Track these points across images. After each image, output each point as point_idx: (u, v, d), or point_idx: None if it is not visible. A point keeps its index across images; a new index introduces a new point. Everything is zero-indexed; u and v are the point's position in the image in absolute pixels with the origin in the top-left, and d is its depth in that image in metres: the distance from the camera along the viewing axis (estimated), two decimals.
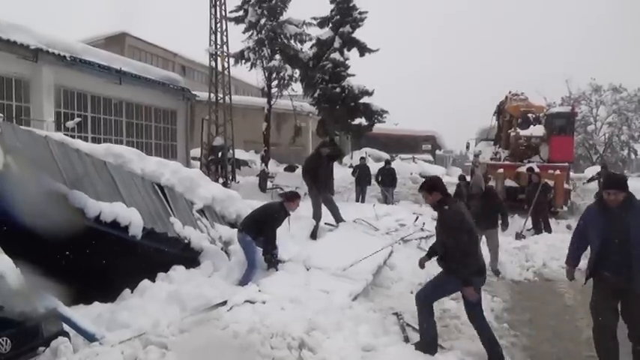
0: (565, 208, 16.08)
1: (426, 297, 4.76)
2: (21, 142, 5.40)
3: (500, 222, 8.69)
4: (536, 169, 14.40)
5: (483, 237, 8.15)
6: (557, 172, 15.74)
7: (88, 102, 15.47)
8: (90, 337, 4.30)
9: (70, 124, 12.70)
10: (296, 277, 6.14)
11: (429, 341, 4.63)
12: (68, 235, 5.09)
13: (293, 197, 7.19)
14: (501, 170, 16.42)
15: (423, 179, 19.68)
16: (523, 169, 15.47)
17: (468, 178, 15.53)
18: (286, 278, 6.09)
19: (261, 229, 6.79)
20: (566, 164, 16.91)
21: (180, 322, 4.26)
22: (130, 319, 5.09)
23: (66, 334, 4.29)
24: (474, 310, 4.71)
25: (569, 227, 13.93)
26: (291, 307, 4.99)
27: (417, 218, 10.68)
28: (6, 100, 12.71)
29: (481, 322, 4.73)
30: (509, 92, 19.45)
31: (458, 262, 4.48)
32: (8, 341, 3.81)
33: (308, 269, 6.54)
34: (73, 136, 7.17)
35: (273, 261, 6.92)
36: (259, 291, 5.40)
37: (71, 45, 14.74)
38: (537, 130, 17.18)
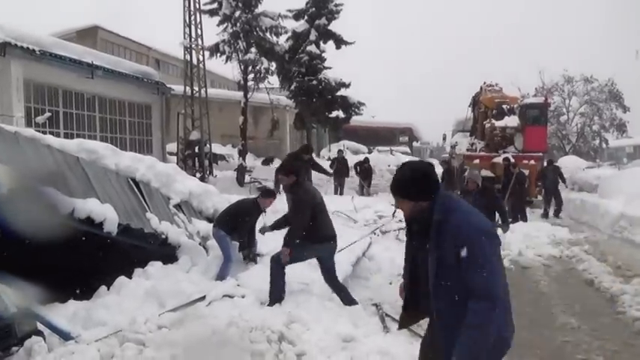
0: (539, 197, 16.41)
1: (277, 260, 5.27)
2: None
3: (499, 221, 7.78)
4: (512, 160, 14.64)
5: None
6: (532, 162, 16.02)
7: (59, 97, 15.13)
8: (65, 336, 4.22)
9: (39, 119, 12.41)
10: None
11: (277, 297, 5.09)
12: (41, 232, 4.98)
13: (267, 195, 7.15)
14: (477, 161, 16.65)
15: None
16: (498, 159, 15.70)
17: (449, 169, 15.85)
18: (265, 272, 6.05)
19: (235, 225, 6.76)
20: (541, 154, 17.22)
21: (157, 318, 4.21)
22: (106, 316, 5.01)
23: (40, 334, 4.20)
24: (327, 274, 5.42)
25: (544, 216, 14.24)
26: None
27: (396, 211, 10.76)
28: None
29: (335, 282, 5.46)
30: (484, 83, 19.70)
31: (292, 229, 5.30)
32: None
33: None
34: (44, 132, 6.98)
35: (250, 256, 6.91)
36: (238, 285, 5.37)
37: (41, 38, 14.37)
38: (512, 121, 17.46)
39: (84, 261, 5.70)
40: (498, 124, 17.47)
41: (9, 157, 5.33)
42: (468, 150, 18.82)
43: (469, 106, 21.48)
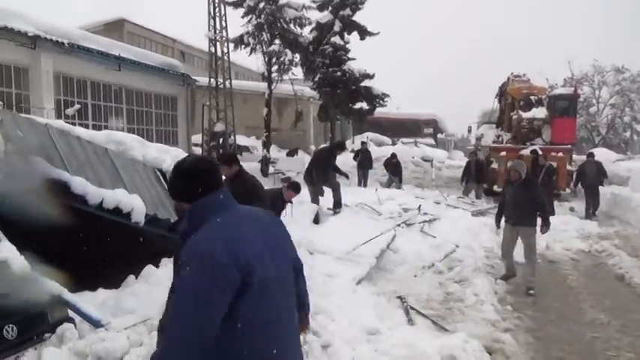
0: (568, 191, 16.07)
1: None
2: (22, 130, 5.37)
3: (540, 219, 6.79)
4: (540, 152, 14.35)
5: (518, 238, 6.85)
6: (560, 154, 15.70)
7: (87, 89, 15.39)
8: (95, 323, 4.31)
9: (69, 111, 12.66)
10: None
11: None
12: (72, 222, 5.10)
13: (292, 187, 7.23)
14: (504, 153, 16.36)
15: (426, 162, 19.72)
16: (526, 151, 15.42)
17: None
18: None
19: None
20: (569, 146, 16.86)
21: None
22: (134, 304, 5.10)
23: (71, 320, 4.30)
24: None
25: (572, 209, 13.95)
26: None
27: (420, 206, 10.63)
28: (5, 88, 12.64)
29: None
30: (511, 74, 19.31)
31: None
32: (14, 328, 3.82)
33: (311, 253, 6.54)
34: (73, 124, 7.13)
35: None
36: None
37: (69, 31, 14.62)
38: (539, 113, 17.09)
39: (113, 250, 5.81)
40: (526, 115, 17.13)
41: (41, 148, 5.45)
42: (494, 142, 18.51)
43: (495, 97, 21.10)
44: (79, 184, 5.41)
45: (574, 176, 14.70)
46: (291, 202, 7.32)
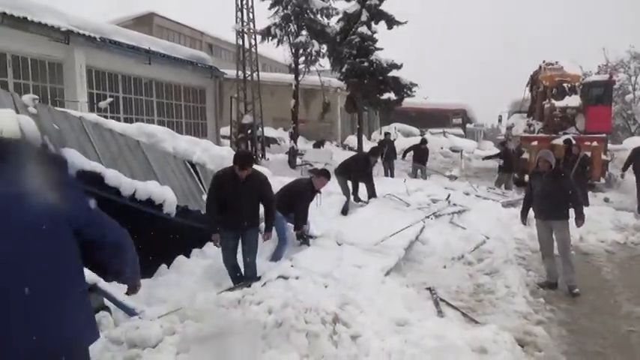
0: (602, 181, 15.66)
1: None
2: (57, 123, 5.52)
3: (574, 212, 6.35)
4: (574, 141, 14.00)
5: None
6: (595, 143, 15.28)
7: (118, 82, 15.68)
8: (130, 312, 4.42)
9: (102, 104, 12.91)
10: (328, 252, 6.15)
11: None
12: (106, 213, 5.21)
13: (321, 175, 7.25)
14: (535, 143, 16.02)
15: (455, 153, 19.58)
16: (558, 141, 15.06)
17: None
18: (318, 253, 6.12)
19: (291, 205, 6.83)
20: (604, 135, 16.38)
21: (216, 297, 4.34)
22: (166, 293, 5.22)
23: (107, 309, 4.43)
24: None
25: (607, 200, 13.59)
26: (324, 282, 5.03)
27: (450, 195, 10.54)
28: (40, 82, 12.97)
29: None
30: (543, 62, 18.84)
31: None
32: None
33: (340, 244, 6.55)
34: (105, 117, 7.27)
35: (304, 237, 6.98)
36: (292, 266, 5.44)
37: (101, 26, 14.88)
38: (573, 101, 16.65)
39: (145, 240, 5.93)
40: (558, 104, 16.70)
41: (75, 140, 5.60)
42: (525, 131, 18.13)
43: (527, 85, 20.64)
44: (112, 176, 5.54)
45: (625, 160, 13.61)
46: (320, 192, 7.33)
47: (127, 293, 2.68)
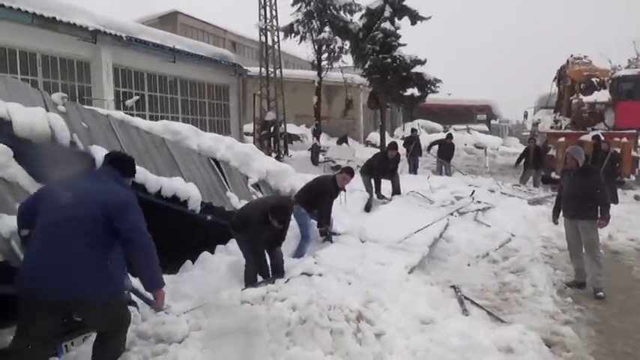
0: (633, 178, 15.26)
1: None
2: (85, 121, 5.61)
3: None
4: (602, 137, 13.69)
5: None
6: (624, 139, 14.89)
7: (144, 80, 15.90)
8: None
9: (129, 102, 13.11)
10: (351, 249, 6.15)
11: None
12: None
13: (344, 172, 7.26)
14: (563, 139, 15.69)
15: (479, 149, 19.29)
16: (586, 137, 14.73)
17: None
18: (342, 250, 6.12)
19: (314, 202, 6.83)
20: (634, 131, 15.94)
21: (241, 293, 4.37)
22: (192, 289, 5.28)
23: (134, 304, 4.50)
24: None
25: (637, 198, 13.27)
26: (348, 279, 5.02)
27: (474, 192, 10.42)
28: (69, 81, 13.24)
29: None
30: (571, 56, 18.45)
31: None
32: None
33: (363, 242, 6.54)
34: (131, 114, 7.38)
35: (328, 233, 6.98)
36: (316, 263, 5.45)
37: (127, 25, 15.11)
38: (602, 96, 16.25)
39: (170, 237, 6.01)
40: (587, 99, 16.33)
41: (103, 138, 5.69)
42: (552, 127, 17.78)
43: (554, 80, 20.23)
44: (139, 172, 5.60)
45: None
46: (344, 190, 7.33)
47: (151, 308, 3.71)
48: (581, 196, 6.01)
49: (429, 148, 17.07)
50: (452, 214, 8.56)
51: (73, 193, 3.21)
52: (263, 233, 5.43)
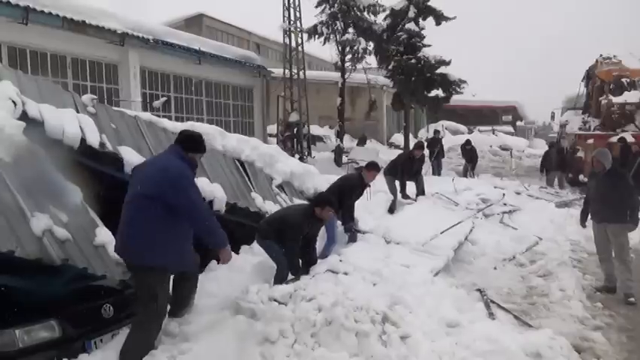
0: None
1: None
2: (114, 122, 5.72)
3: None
4: (631, 139, 13.36)
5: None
6: None
7: (170, 82, 16.11)
8: None
9: (156, 103, 13.30)
10: (376, 249, 6.12)
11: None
12: None
13: (371, 167, 7.26)
14: (591, 141, 15.35)
15: (505, 151, 18.99)
16: (616, 139, 14.40)
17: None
18: (367, 250, 6.09)
19: (342, 201, 6.82)
20: None
21: (268, 290, 4.40)
22: (217, 288, 5.31)
23: None
24: None
25: None
26: (373, 279, 5.02)
27: (504, 195, 10.22)
28: (98, 83, 13.50)
29: None
30: (600, 56, 18.04)
31: None
32: (111, 307, 4.11)
33: (388, 242, 6.49)
34: (158, 116, 7.48)
35: (352, 230, 6.95)
36: (341, 261, 5.46)
37: (154, 28, 15.32)
38: (632, 96, 15.84)
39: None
40: (616, 99, 15.94)
41: (131, 138, 5.79)
42: (580, 129, 17.41)
43: (582, 80, 19.81)
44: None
45: None
46: (370, 186, 7.30)
47: (218, 263, 4.30)
48: (609, 200, 5.89)
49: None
50: (477, 213, 8.43)
51: (143, 172, 3.77)
52: (301, 233, 5.45)
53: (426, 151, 15.76)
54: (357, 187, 7.11)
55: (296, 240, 5.42)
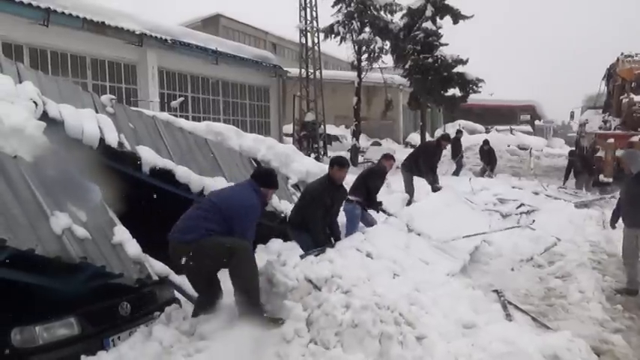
0: None
1: None
2: (132, 122, 5.78)
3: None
4: None
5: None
6: None
7: (187, 82, 16.26)
8: None
9: (174, 103, 13.43)
10: (397, 236, 6.09)
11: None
12: (176, 208, 5.44)
13: (388, 157, 7.92)
14: (612, 140, 15.06)
15: (523, 151, 18.65)
16: (636, 138, 14.12)
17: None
18: (389, 234, 6.07)
19: (368, 192, 7.32)
20: None
21: (306, 268, 4.43)
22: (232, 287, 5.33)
23: (177, 301, 4.61)
24: None
25: None
26: (395, 269, 5.12)
27: (521, 205, 10.02)
28: (116, 83, 13.69)
29: None
30: (622, 54, 17.72)
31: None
32: (128, 305, 4.17)
33: (410, 231, 6.41)
34: (175, 116, 7.56)
35: (379, 211, 7.48)
36: (365, 240, 5.56)
37: (171, 29, 15.49)
38: None
39: None
40: (638, 98, 15.65)
41: (149, 138, 5.85)
42: (600, 128, 17.09)
43: (603, 79, 19.49)
44: (183, 172, 5.75)
45: None
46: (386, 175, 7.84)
47: None
48: (636, 204, 5.76)
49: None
50: (501, 230, 8.26)
51: (224, 191, 4.57)
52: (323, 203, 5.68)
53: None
54: (380, 174, 7.65)
55: (317, 210, 5.56)
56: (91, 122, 5.04)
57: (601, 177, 14.51)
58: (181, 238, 3.99)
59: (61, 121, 4.78)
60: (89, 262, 3.89)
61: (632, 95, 15.82)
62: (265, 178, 4.36)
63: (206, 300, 4.19)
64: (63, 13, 11.61)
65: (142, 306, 4.33)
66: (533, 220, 8.74)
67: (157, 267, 4.54)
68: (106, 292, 4.12)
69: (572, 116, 23.32)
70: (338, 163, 5.75)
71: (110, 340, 3.94)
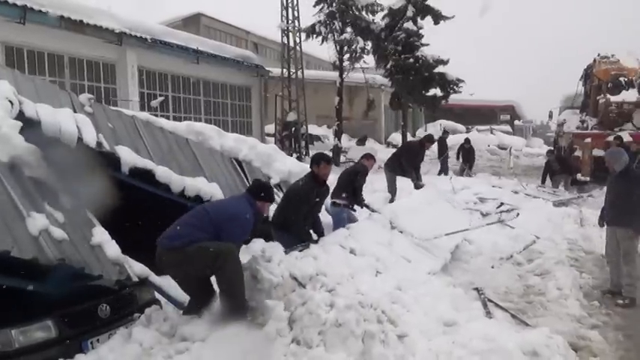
0: None
1: None
2: (111, 122, 5.70)
3: None
4: (628, 138, 13.38)
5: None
6: None
7: (168, 82, 16.11)
8: (179, 305, 4.54)
9: (154, 103, 13.29)
10: (380, 233, 6.10)
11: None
12: (156, 208, 5.39)
13: (369, 157, 8.04)
14: (589, 140, 15.36)
15: (502, 150, 18.76)
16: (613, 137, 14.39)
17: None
18: (372, 230, 6.06)
19: (353, 188, 7.39)
20: None
21: (291, 264, 4.42)
22: (216, 288, 5.29)
23: (157, 302, 4.56)
24: None
25: None
26: (377, 267, 5.15)
27: (501, 204, 10.08)
28: (95, 83, 13.50)
29: None
30: (598, 55, 18.06)
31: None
32: (108, 307, 4.11)
33: (393, 228, 6.42)
34: (155, 115, 7.49)
35: (362, 207, 7.54)
36: (350, 236, 5.57)
37: (152, 28, 15.32)
38: (630, 95, 15.86)
39: None
40: (614, 99, 15.96)
41: (128, 138, 5.78)
42: (577, 128, 17.39)
43: (580, 79, 19.84)
44: (163, 172, 5.70)
45: None
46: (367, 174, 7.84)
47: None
48: (617, 202, 5.76)
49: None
50: (489, 223, 8.33)
51: (220, 202, 4.97)
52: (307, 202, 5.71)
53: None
54: (362, 174, 7.65)
55: (300, 211, 5.56)
56: (68, 122, 4.95)
57: (579, 176, 14.78)
58: (168, 244, 4.01)
59: (37, 120, 4.69)
60: (67, 263, 3.83)
61: (608, 95, 16.14)
62: (260, 191, 4.42)
63: (196, 303, 4.18)
64: (40, 10, 11.40)
65: (122, 308, 4.28)
66: (518, 214, 8.85)
67: (136, 268, 4.49)
68: (85, 293, 4.07)
69: (550, 116, 23.68)
70: (325, 160, 5.77)
71: (89, 342, 3.89)
